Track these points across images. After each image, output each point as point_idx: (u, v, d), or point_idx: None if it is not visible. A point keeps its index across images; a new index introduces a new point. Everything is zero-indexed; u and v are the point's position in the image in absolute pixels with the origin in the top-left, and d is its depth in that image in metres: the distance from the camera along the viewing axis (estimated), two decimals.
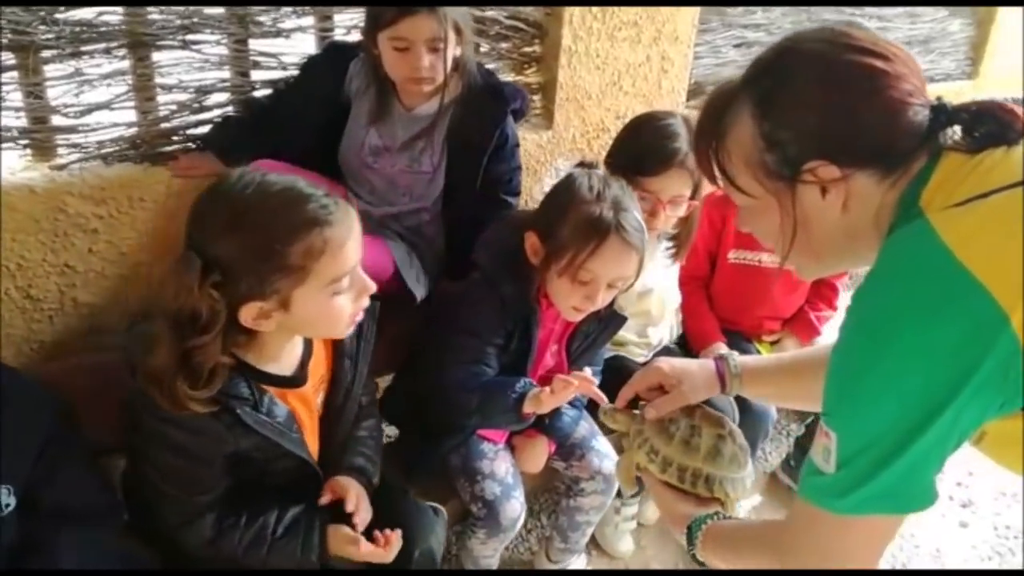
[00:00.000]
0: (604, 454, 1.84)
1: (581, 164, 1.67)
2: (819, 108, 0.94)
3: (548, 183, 2.56)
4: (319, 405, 1.46)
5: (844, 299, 2.33)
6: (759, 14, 2.95)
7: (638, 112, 2.63)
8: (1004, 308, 0.81)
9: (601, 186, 1.58)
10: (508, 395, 1.55)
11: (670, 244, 2.02)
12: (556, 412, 1.76)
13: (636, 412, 1.37)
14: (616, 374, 1.99)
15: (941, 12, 3.53)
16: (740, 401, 2.00)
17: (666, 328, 2.14)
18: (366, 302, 1.28)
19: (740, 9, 2.89)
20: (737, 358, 1.36)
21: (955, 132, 0.96)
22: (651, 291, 2.03)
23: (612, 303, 1.73)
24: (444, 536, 1.59)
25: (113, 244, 1.86)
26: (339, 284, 1.20)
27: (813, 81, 0.95)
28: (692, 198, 1.90)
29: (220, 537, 1.33)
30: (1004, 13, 3.67)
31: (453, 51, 1.80)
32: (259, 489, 1.37)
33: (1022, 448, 0.91)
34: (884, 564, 2.13)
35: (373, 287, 1.26)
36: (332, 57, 1.96)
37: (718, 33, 2.88)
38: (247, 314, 1.18)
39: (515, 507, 1.69)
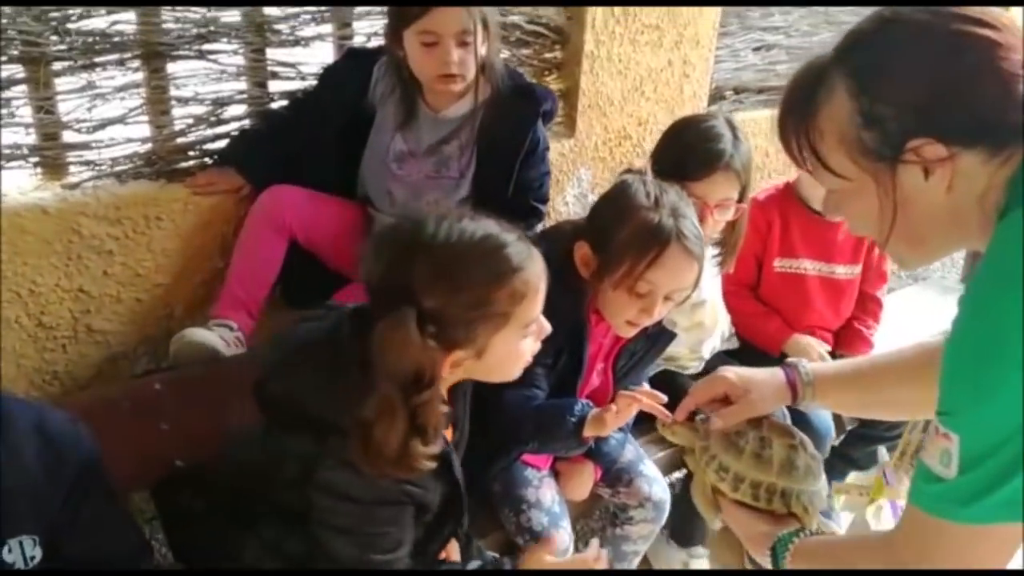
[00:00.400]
0: (653, 479, 1.75)
1: (629, 171, 1.59)
2: (925, 82, 0.87)
3: (571, 193, 2.51)
4: None
5: (888, 312, 2.27)
6: (777, 17, 2.89)
7: (660, 118, 2.59)
8: None
9: (658, 192, 1.49)
10: (567, 420, 1.46)
11: (716, 251, 1.94)
12: (600, 436, 1.67)
13: (697, 425, 1.29)
14: (664, 389, 1.92)
15: None
16: (796, 415, 1.93)
17: (718, 338, 2.07)
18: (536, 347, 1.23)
19: (759, 12, 2.83)
20: (808, 365, 1.28)
21: None
22: (704, 302, 1.94)
23: (660, 319, 1.65)
24: None
25: (129, 266, 1.77)
26: (531, 327, 1.18)
27: (918, 53, 0.87)
28: (740, 201, 1.83)
29: None
30: None
31: (481, 48, 1.73)
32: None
33: None
34: None
35: (549, 329, 1.22)
36: (352, 63, 1.88)
37: (737, 37, 2.81)
38: (448, 363, 1.12)
39: (564, 538, 1.59)
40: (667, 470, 1.89)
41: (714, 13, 2.57)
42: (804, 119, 0.95)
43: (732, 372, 1.27)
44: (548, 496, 1.62)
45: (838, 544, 1.10)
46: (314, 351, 1.14)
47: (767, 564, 1.17)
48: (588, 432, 1.46)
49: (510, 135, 1.83)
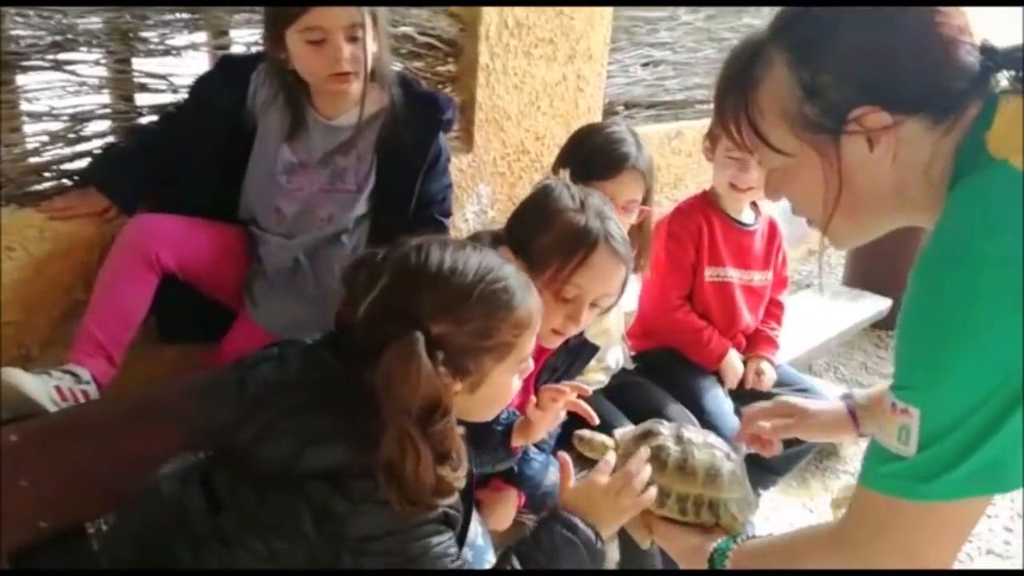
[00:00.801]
0: None
1: (548, 177, 1.53)
2: (865, 49, 0.86)
3: (471, 210, 2.43)
4: None
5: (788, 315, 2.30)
6: (664, 33, 2.93)
7: (557, 133, 2.55)
8: None
9: (583, 195, 1.45)
10: (493, 429, 1.36)
11: None
12: (524, 458, 1.58)
13: (615, 438, 1.25)
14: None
15: None
16: (697, 412, 1.90)
17: (619, 349, 2.02)
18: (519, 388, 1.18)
19: (646, 28, 2.85)
20: (856, 392, 1.31)
21: (1006, 76, 0.87)
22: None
23: (582, 331, 1.57)
24: None
25: None
26: (525, 363, 1.13)
27: (857, 21, 0.86)
28: (644, 203, 1.82)
29: None
30: None
31: (371, 44, 1.61)
32: None
33: None
34: None
35: (531, 367, 1.17)
36: (227, 72, 1.72)
37: (627, 52, 2.82)
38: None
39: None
40: None
41: (605, 28, 2.56)
42: (743, 97, 0.92)
43: (795, 399, 1.34)
44: (472, 529, 1.51)
45: (781, 544, 1.04)
46: (298, 396, 1.03)
47: None
48: (516, 440, 1.38)
49: (412, 146, 1.72)
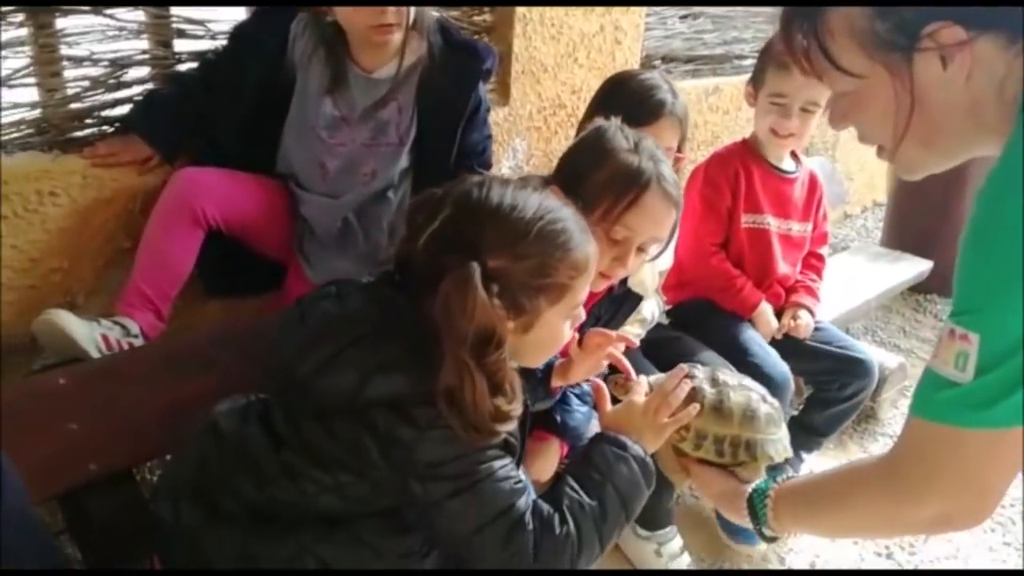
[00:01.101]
0: None
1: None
2: None
3: (506, 165, 2.39)
4: None
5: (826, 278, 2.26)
6: None
7: (593, 86, 2.48)
8: None
9: (636, 137, 1.43)
10: (534, 369, 1.35)
11: None
12: (566, 408, 1.57)
13: (651, 383, 1.26)
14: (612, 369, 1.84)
15: None
16: (752, 369, 1.86)
17: (654, 303, 2.00)
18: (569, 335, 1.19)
19: None
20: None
21: None
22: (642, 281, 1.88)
23: (625, 280, 1.55)
24: None
25: (20, 249, 1.55)
26: (577, 309, 1.13)
27: None
28: (678, 150, 1.81)
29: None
30: None
31: None
32: None
33: None
34: (885, 564, 2.04)
35: (583, 317, 1.18)
36: (265, 21, 1.70)
37: (665, 3, 2.75)
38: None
39: None
40: None
41: None
42: (812, 19, 0.90)
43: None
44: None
45: (826, 481, 1.03)
46: (360, 328, 1.04)
47: (747, 523, 1.10)
48: (556, 381, 1.38)
49: (454, 94, 1.70)
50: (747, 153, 2.09)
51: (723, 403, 1.18)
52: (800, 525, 1.06)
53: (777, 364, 1.92)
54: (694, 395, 1.19)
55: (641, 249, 1.42)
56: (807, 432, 2.14)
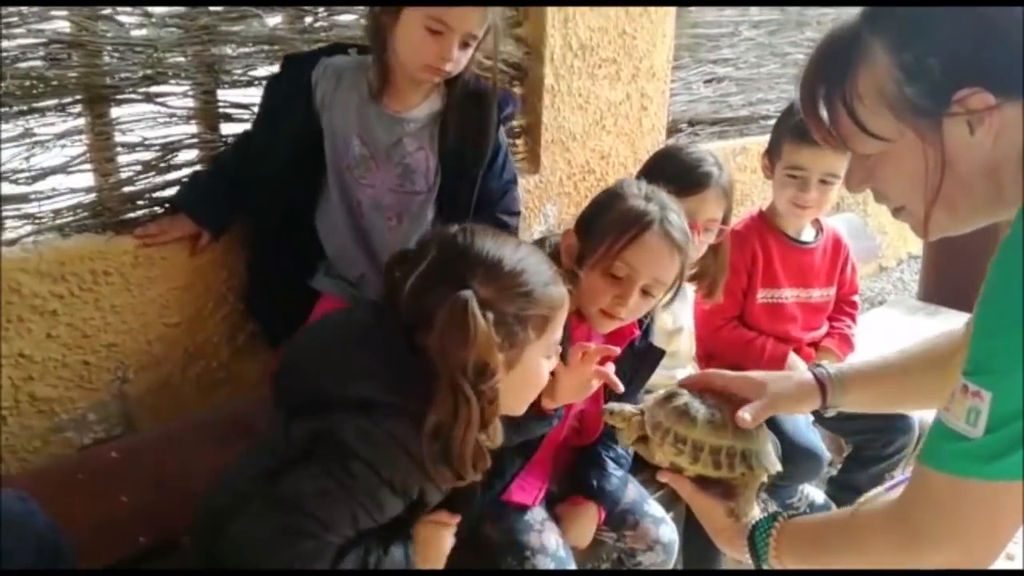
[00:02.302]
0: (660, 519, 1.64)
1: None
2: (971, 29, 0.86)
3: (538, 230, 2.45)
4: None
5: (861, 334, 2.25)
6: (726, 50, 2.92)
7: (622, 151, 2.57)
8: None
9: (650, 190, 1.50)
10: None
11: (697, 281, 1.89)
12: (602, 474, 1.58)
13: (641, 404, 1.26)
14: None
15: None
16: (785, 444, 1.86)
17: (690, 370, 2.00)
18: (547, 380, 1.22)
19: (708, 45, 2.86)
20: (831, 365, 1.26)
21: None
22: (682, 329, 1.90)
23: (648, 334, 1.59)
24: None
25: (75, 326, 1.62)
26: (555, 347, 1.19)
27: (960, 3, 0.88)
28: (723, 223, 1.83)
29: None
30: None
31: (473, 53, 1.64)
32: None
33: None
34: None
35: (556, 361, 1.22)
36: (292, 69, 1.72)
37: (689, 70, 2.83)
38: None
39: None
40: (667, 508, 1.79)
41: (667, 46, 2.58)
42: (839, 85, 0.93)
43: (723, 372, 1.27)
44: (552, 540, 1.51)
45: (832, 521, 1.06)
46: (354, 332, 1.12)
47: (746, 558, 1.09)
48: (545, 401, 1.36)
49: (473, 143, 1.72)
50: (764, 228, 2.09)
51: (715, 415, 1.17)
52: (802, 562, 1.05)
53: (806, 434, 1.91)
54: (687, 409, 1.18)
55: (646, 292, 1.45)
56: (848, 491, 2.11)
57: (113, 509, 1.37)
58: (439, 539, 1.21)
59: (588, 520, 1.59)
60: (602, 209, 1.49)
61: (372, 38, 1.67)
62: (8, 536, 1.00)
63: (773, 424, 1.90)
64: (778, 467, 1.20)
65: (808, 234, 2.13)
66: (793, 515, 1.08)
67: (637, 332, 1.57)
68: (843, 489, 2.13)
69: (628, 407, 1.26)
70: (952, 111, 0.87)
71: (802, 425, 1.93)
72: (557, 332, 1.16)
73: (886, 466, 2.07)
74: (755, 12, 2.98)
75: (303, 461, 1.05)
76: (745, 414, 1.15)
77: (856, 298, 2.24)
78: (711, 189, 1.79)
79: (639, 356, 1.61)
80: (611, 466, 1.60)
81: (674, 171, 1.77)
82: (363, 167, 1.72)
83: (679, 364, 1.94)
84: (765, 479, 1.18)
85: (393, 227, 1.75)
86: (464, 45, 1.59)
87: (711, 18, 2.83)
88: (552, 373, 1.31)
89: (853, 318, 2.21)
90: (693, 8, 2.72)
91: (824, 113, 0.96)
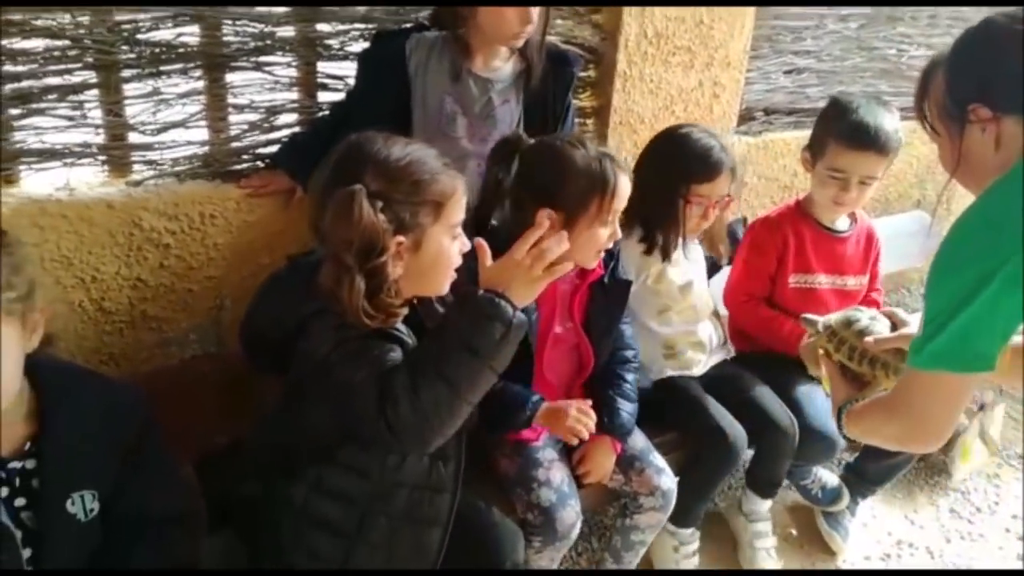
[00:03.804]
0: (662, 469, 1.85)
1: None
2: (980, 62, 1.22)
3: None
4: None
5: None
6: (809, 42, 2.97)
7: None
8: None
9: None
10: (522, 414, 1.71)
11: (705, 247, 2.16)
12: (613, 410, 1.82)
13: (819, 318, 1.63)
14: (674, 396, 2.02)
15: None
16: (803, 426, 2.00)
17: (710, 325, 2.16)
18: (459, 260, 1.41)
19: (791, 36, 2.91)
20: None
21: None
22: (691, 283, 2.09)
23: (616, 268, 1.83)
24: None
25: (184, 259, 1.91)
26: (458, 228, 1.38)
27: (984, 41, 1.23)
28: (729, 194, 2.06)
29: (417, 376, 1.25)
30: None
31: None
32: None
33: None
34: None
35: (468, 245, 1.38)
36: (386, 43, 1.93)
37: (769, 60, 2.89)
38: (393, 250, 1.29)
39: (571, 515, 1.71)
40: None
41: (744, 37, 2.66)
42: (924, 95, 1.34)
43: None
44: (558, 476, 1.75)
45: (868, 402, 1.37)
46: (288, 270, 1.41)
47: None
48: (539, 422, 1.69)
49: (550, 100, 1.94)
50: (799, 216, 2.20)
51: (867, 328, 1.49)
52: (857, 433, 1.37)
53: (822, 419, 2.03)
54: (851, 318, 1.52)
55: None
56: (861, 480, 2.22)
57: (201, 411, 1.66)
58: None
59: (605, 454, 1.80)
60: (560, 181, 1.68)
61: (447, 20, 1.88)
62: (113, 415, 1.29)
63: (793, 406, 2.05)
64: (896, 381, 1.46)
65: (842, 223, 2.23)
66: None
67: (601, 271, 1.81)
68: (857, 477, 2.24)
69: (813, 316, 1.62)
70: (968, 118, 1.22)
71: (821, 410, 2.05)
72: (455, 216, 1.35)
73: (897, 461, 2.16)
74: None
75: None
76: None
77: (878, 296, 2.32)
78: (723, 174, 1.99)
79: (608, 291, 1.84)
80: (619, 402, 1.83)
81: (686, 160, 1.95)
82: (455, 123, 1.93)
83: (698, 319, 2.11)
84: (886, 387, 1.42)
85: (482, 172, 1.92)
86: (534, 7, 1.80)
87: (795, 10, 2.88)
88: (559, 416, 1.67)
89: (877, 305, 2.27)
90: None
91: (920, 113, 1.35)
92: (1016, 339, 1.30)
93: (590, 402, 1.75)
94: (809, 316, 1.64)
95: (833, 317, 1.59)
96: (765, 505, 2.18)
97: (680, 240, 2.05)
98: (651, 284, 2.05)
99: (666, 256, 2.03)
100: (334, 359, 1.27)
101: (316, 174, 1.35)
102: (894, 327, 1.52)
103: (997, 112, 1.19)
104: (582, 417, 1.68)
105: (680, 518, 2.03)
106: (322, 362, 1.28)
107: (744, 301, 2.18)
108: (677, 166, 1.92)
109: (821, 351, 1.56)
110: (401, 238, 1.30)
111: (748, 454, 2.07)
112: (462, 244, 1.39)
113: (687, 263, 2.09)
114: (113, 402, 1.32)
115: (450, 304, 1.34)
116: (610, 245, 1.73)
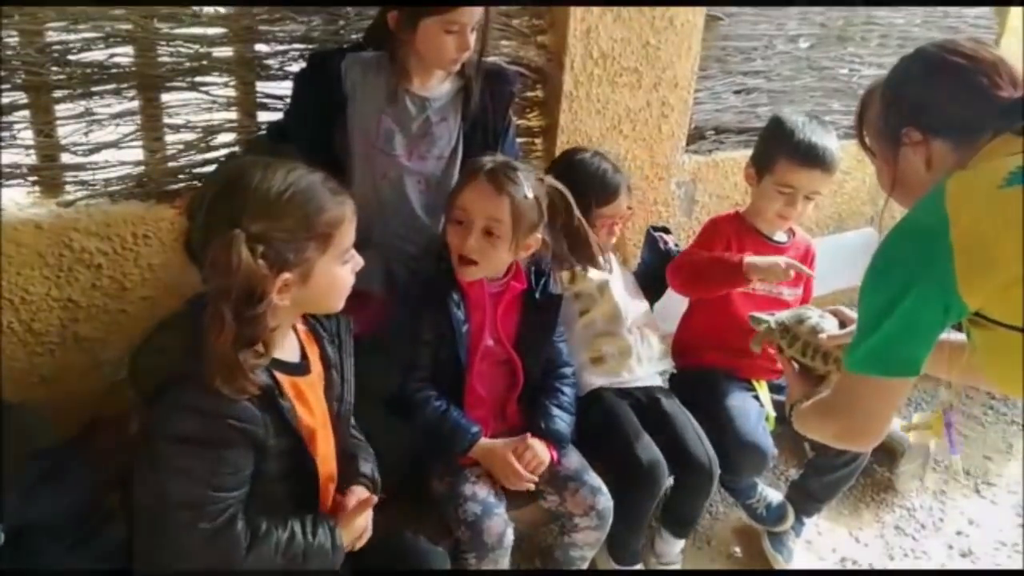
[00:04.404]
0: (597, 489, 1.84)
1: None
2: (917, 91, 1.31)
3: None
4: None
5: None
6: (759, 62, 3.00)
7: (638, 155, 2.71)
8: (951, 241, 1.15)
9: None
10: (459, 446, 1.77)
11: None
12: (549, 417, 1.85)
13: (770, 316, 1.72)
14: (595, 414, 2.02)
15: None
16: (730, 439, 2.01)
17: (649, 340, 2.18)
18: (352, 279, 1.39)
19: (740, 57, 2.95)
20: None
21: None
22: (608, 282, 2.15)
23: (547, 284, 1.88)
24: None
25: (116, 279, 1.90)
26: (349, 252, 1.35)
27: (916, 69, 1.34)
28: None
29: (257, 543, 1.27)
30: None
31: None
32: (267, 499, 1.35)
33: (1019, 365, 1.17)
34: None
35: (362, 262, 1.39)
36: (321, 64, 1.91)
37: (718, 80, 2.92)
38: (278, 286, 1.24)
39: (498, 523, 1.71)
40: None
41: (692, 58, 2.69)
42: (861, 118, 1.45)
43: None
44: (483, 490, 1.75)
45: (813, 403, 1.45)
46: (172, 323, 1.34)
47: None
48: (475, 455, 1.76)
49: (489, 116, 1.96)
50: (740, 225, 2.24)
51: (818, 326, 1.59)
52: (802, 429, 1.47)
53: (754, 429, 2.04)
54: (803, 315, 1.62)
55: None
56: (806, 498, 2.23)
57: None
58: (358, 519, 1.42)
59: (538, 452, 1.80)
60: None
61: (382, 41, 1.88)
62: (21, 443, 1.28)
63: (721, 418, 2.05)
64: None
65: (781, 236, 2.26)
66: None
67: (524, 284, 1.87)
68: (800, 494, 2.25)
69: (764, 316, 1.72)
70: (902, 141, 1.32)
71: (752, 420, 2.06)
72: (345, 242, 1.32)
73: (841, 475, 2.17)
74: (792, 26, 3.04)
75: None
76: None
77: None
78: (621, 194, 2.11)
79: (539, 306, 1.88)
80: (555, 411, 1.86)
81: (583, 188, 1.98)
82: (392, 141, 1.92)
83: (621, 321, 2.15)
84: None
85: (423, 191, 1.98)
86: (473, 31, 1.82)
87: (744, 31, 2.92)
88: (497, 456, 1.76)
89: None
90: (725, 20, 2.82)
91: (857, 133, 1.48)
92: (957, 337, 1.38)
93: (528, 436, 1.79)
94: (757, 314, 1.72)
95: (784, 315, 1.67)
96: (677, 546, 2.15)
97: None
98: (567, 284, 2.08)
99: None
100: (165, 452, 1.22)
101: (195, 199, 1.28)
102: (842, 325, 1.62)
103: (928, 135, 1.29)
104: (514, 463, 1.75)
105: (618, 554, 2.03)
106: (155, 445, 1.22)
107: (683, 257, 2.21)
108: (575, 195, 1.91)
109: (773, 348, 1.63)
110: (287, 275, 1.24)
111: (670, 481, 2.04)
112: (355, 264, 1.37)
113: (600, 274, 2.12)
114: (25, 430, 1.31)
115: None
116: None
